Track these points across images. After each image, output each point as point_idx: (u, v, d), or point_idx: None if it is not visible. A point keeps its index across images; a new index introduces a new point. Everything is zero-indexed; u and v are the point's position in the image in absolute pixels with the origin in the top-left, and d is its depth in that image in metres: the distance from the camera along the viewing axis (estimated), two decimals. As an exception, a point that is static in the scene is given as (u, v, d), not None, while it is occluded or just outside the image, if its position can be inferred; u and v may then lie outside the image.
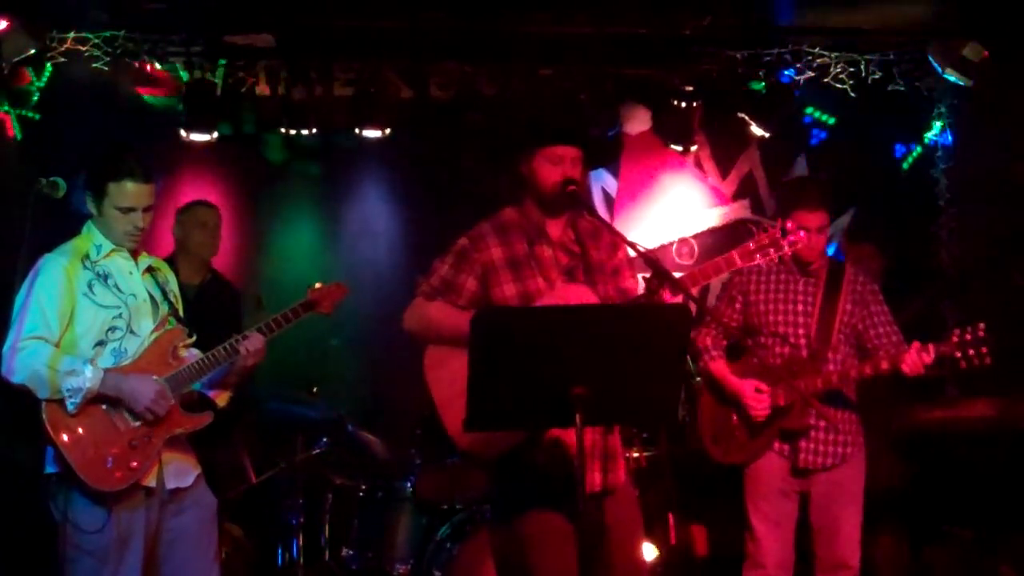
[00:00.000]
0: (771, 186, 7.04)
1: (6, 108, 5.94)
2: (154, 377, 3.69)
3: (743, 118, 6.54)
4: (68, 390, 3.56)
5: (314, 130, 6.36)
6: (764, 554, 4.56)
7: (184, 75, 6.08)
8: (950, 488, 5.51)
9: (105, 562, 3.61)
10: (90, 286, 3.71)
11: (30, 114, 6.01)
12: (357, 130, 6.37)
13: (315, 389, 5.63)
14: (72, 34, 5.85)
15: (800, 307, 4.62)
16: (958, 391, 5.68)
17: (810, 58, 6.32)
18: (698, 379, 4.89)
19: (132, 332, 3.75)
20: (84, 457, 3.58)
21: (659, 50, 6.32)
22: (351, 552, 5.51)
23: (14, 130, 5.97)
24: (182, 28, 5.98)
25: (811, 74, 6.35)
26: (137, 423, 3.67)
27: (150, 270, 3.91)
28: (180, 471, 3.81)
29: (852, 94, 6.35)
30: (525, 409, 3.12)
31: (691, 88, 6.49)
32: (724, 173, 7.10)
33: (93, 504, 3.61)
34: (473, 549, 5.07)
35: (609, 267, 3.70)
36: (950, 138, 6.70)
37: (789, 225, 3.94)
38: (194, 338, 3.87)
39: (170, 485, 3.77)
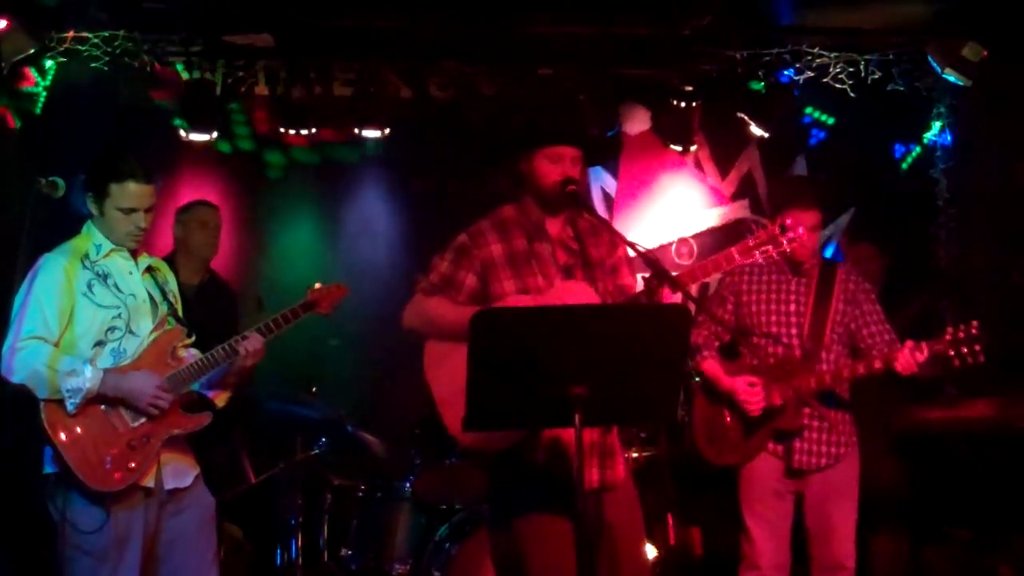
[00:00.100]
0: (770, 186, 7.04)
1: (5, 101, 5.92)
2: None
3: (743, 118, 6.53)
4: (68, 390, 3.56)
5: (313, 130, 6.35)
6: (759, 555, 4.55)
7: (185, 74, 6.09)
8: (949, 488, 5.51)
9: (104, 562, 3.61)
10: (89, 286, 3.72)
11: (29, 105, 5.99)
12: (357, 130, 6.37)
13: (314, 389, 5.63)
14: (71, 33, 5.85)
15: (792, 307, 4.61)
16: (957, 391, 5.68)
17: (809, 58, 6.32)
18: (697, 379, 4.88)
19: (131, 332, 3.75)
20: (83, 457, 3.58)
21: (659, 50, 6.32)
22: (350, 552, 5.50)
23: (14, 120, 5.94)
24: (181, 28, 5.97)
25: (810, 74, 6.34)
26: (136, 423, 3.68)
27: (150, 270, 3.92)
28: (179, 471, 3.81)
29: (852, 94, 6.33)
30: (524, 409, 3.12)
31: (691, 88, 6.48)
32: (723, 173, 7.09)
33: (92, 504, 3.61)
34: (472, 549, 5.07)
35: (608, 264, 3.70)
36: (949, 138, 6.69)
37: (788, 222, 3.90)
38: (193, 338, 3.88)
39: (169, 485, 3.77)
